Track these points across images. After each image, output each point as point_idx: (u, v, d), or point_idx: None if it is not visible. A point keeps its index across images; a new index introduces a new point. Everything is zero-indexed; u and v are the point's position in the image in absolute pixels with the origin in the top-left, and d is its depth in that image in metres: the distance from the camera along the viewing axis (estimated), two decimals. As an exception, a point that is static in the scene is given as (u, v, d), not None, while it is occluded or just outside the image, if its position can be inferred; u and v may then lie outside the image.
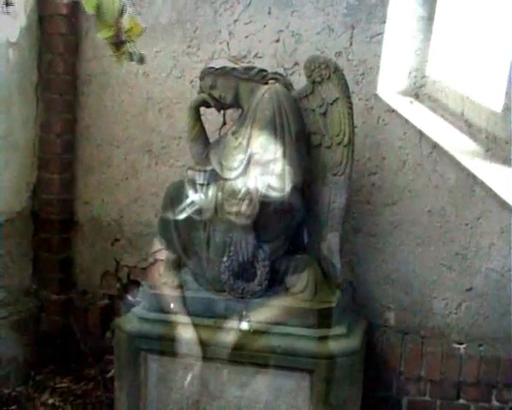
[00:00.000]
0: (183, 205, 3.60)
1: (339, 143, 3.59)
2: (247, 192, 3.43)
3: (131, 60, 3.79)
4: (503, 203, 3.88)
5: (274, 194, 3.47)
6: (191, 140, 3.89)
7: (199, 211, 3.59)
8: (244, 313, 3.48)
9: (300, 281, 3.59)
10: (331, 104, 3.58)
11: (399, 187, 4.17)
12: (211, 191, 3.58)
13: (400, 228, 4.19)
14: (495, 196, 3.89)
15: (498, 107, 3.88)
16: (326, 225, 3.67)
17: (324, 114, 3.62)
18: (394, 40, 4.26)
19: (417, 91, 4.35)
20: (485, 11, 4.05)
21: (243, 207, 3.46)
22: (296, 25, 4.27)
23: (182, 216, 3.61)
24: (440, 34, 4.28)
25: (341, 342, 3.47)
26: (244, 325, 3.45)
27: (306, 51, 4.15)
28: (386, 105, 4.21)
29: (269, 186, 3.47)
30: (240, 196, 3.43)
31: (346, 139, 3.57)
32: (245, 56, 4.33)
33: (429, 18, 4.31)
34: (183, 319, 3.57)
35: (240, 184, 3.45)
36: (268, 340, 3.44)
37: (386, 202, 4.19)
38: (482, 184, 3.93)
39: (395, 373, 4.19)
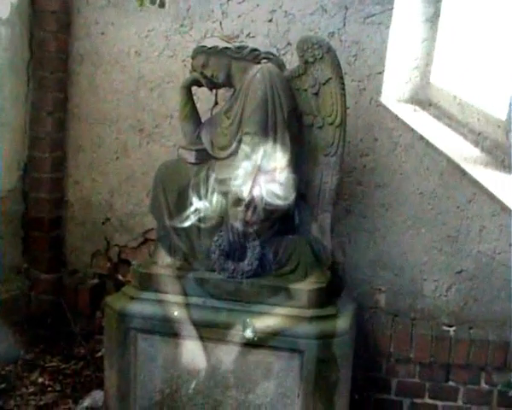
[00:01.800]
0: (188, 213, 3.58)
1: (331, 124, 3.59)
2: (252, 200, 3.41)
3: (153, 3, 3.80)
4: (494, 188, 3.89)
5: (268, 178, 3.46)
6: (182, 119, 3.88)
7: (203, 219, 3.58)
8: (248, 320, 3.45)
9: (291, 261, 3.58)
10: (323, 84, 3.57)
11: (391, 169, 4.17)
12: (215, 199, 3.57)
13: (391, 210, 4.19)
14: (485, 180, 3.89)
15: (503, 114, 3.87)
16: (317, 205, 3.66)
17: (316, 94, 3.61)
18: (398, 46, 4.25)
19: (420, 99, 4.33)
20: (490, 17, 4.04)
21: (248, 215, 3.46)
22: (289, 5, 4.25)
23: (186, 224, 3.60)
24: (444, 41, 4.27)
25: (331, 322, 3.47)
26: (248, 334, 3.43)
27: (299, 31, 4.14)
28: (388, 110, 4.23)
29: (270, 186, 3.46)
30: (245, 204, 3.41)
31: (338, 120, 3.56)
32: (237, 36, 4.31)
33: (433, 24, 4.30)
34: (173, 298, 3.56)
35: (245, 192, 3.42)
36: (258, 320, 3.43)
37: (378, 184, 4.19)
38: (473, 170, 3.94)
39: (385, 355, 4.20)
